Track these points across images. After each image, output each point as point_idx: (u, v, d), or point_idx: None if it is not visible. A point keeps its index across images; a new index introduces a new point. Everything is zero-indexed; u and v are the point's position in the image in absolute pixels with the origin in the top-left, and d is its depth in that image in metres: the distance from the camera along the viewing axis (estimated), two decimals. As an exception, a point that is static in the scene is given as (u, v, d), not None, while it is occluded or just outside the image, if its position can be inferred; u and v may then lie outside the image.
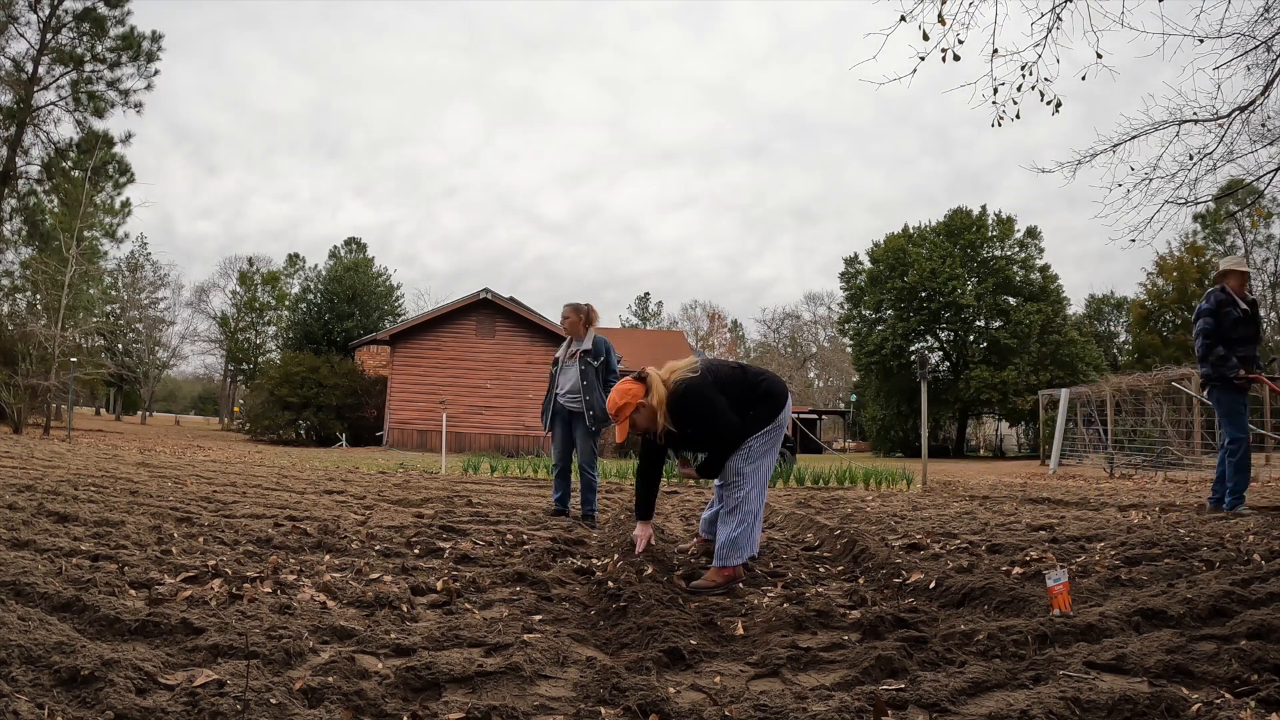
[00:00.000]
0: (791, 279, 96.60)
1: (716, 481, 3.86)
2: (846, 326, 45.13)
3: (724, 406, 3.64)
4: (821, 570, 3.95)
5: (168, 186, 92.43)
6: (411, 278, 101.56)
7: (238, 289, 55.40)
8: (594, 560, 4.10)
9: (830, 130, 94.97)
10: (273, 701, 1.73)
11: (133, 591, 2.86)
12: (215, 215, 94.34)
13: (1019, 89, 5.41)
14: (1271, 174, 6.01)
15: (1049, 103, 5.46)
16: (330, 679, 1.93)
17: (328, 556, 3.86)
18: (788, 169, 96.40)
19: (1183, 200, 6.00)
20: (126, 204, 32.45)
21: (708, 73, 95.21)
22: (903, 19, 5.01)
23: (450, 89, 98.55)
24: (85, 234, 25.22)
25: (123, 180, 28.92)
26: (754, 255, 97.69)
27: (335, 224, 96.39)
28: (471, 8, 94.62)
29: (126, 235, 37.36)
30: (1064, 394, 19.37)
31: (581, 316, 6.18)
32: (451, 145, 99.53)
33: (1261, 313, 41.08)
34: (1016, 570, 3.63)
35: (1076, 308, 47.54)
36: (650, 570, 3.54)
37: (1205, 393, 6.20)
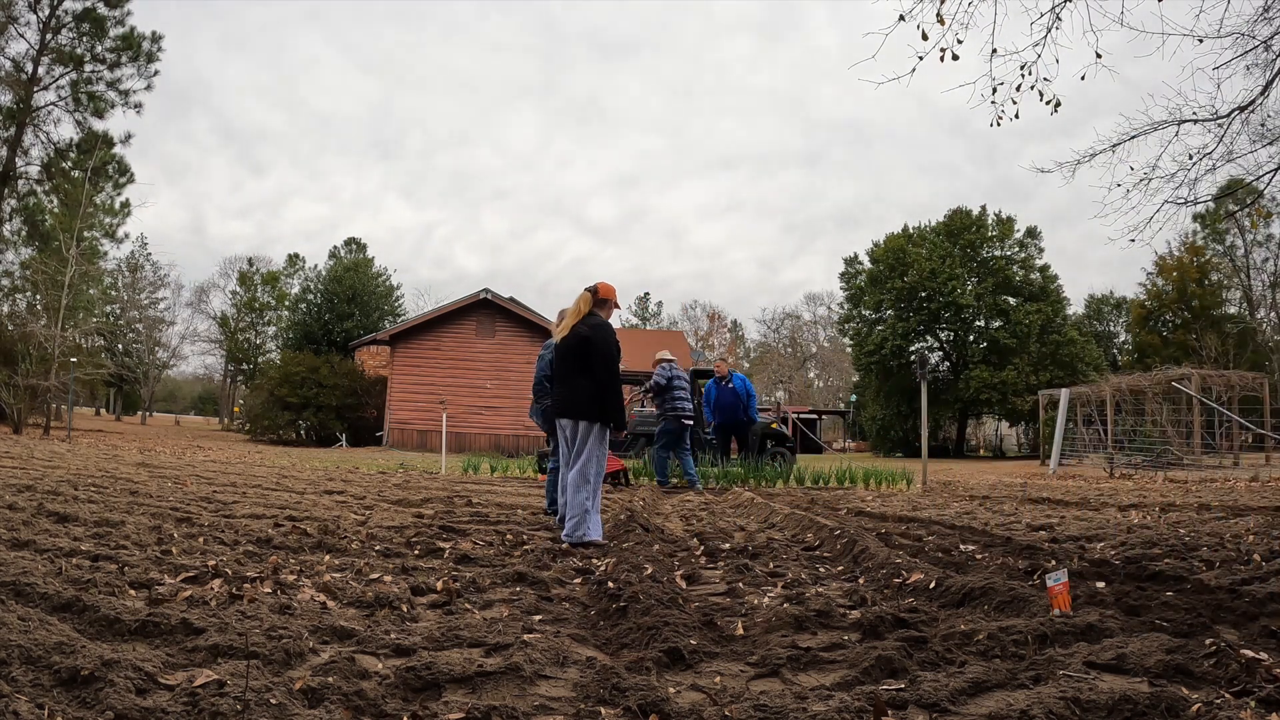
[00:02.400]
0: (821, 281, 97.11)
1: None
2: (846, 326, 45.13)
3: None
4: (821, 570, 3.95)
5: (206, 186, 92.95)
6: (442, 279, 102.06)
7: (237, 289, 55.39)
8: (594, 560, 4.09)
9: (884, 140, 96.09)
10: (273, 701, 1.73)
11: (133, 591, 2.86)
12: (251, 215, 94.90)
13: (1018, 89, 5.41)
14: (1271, 174, 6.00)
15: (1048, 102, 5.46)
16: (330, 679, 1.93)
17: (328, 556, 3.86)
18: (838, 176, 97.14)
19: (1182, 200, 5.99)
20: (126, 204, 32.44)
21: (775, 82, 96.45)
22: (901, 18, 5.01)
23: (517, 91, 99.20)
24: (85, 234, 25.21)
25: (122, 180, 28.92)
26: (789, 259, 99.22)
27: (374, 225, 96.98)
28: (553, 9, 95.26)
29: (126, 235, 37.36)
30: (1064, 394, 19.36)
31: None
32: (509, 148, 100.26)
33: (1262, 313, 41.00)
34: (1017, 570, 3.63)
35: (1076, 308, 47.52)
36: (650, 570, 3.54)
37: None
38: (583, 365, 4.88)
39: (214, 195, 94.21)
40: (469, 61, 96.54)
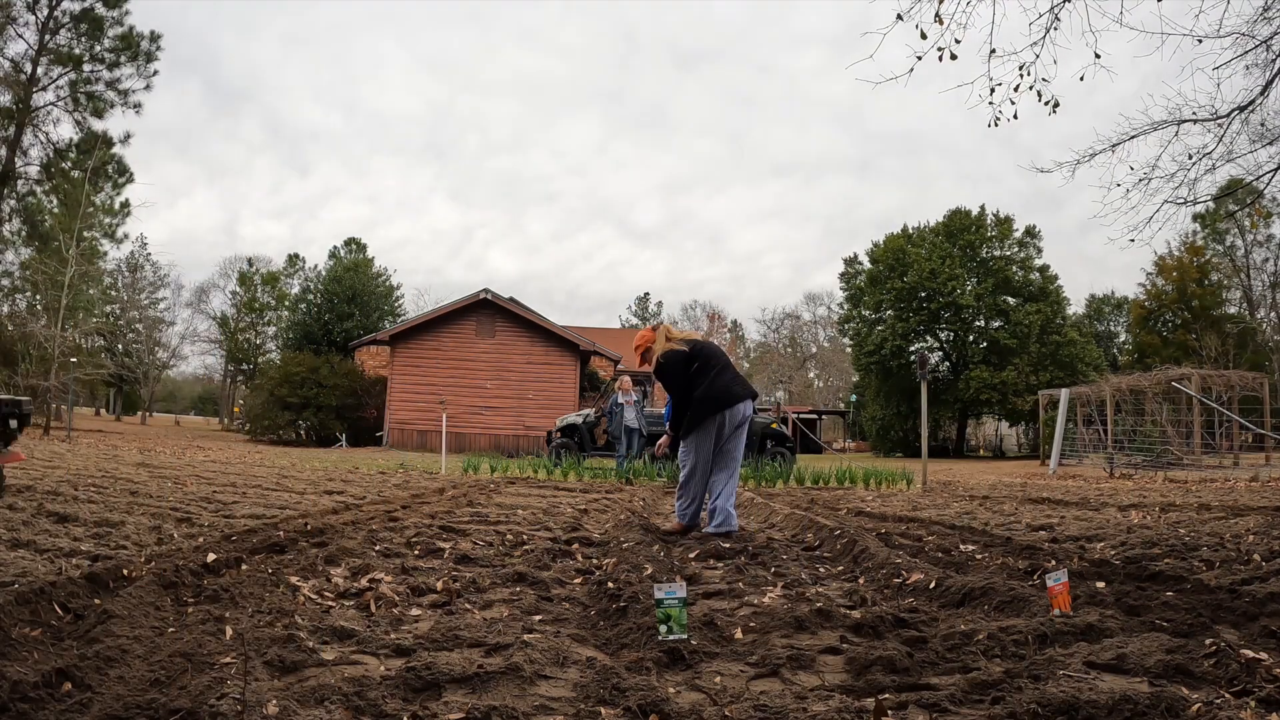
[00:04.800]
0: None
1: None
2: (846, 326, 45.16)
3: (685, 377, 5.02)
4: (821, 570, 3.95)
5: (245, 186, 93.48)
6: (474, 280, 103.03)
7: (237, 289, 55.39)
8: (594, 560, 4.10)
9: (935, 150, 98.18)
10: (273, 701, 1.73)
11: (132, 592, 2.86)
12: (287, 216, 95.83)
13: (1016, 89, 5.42)
14: (1271, 174, 6.01)
15: (1047, 103, 5.47)
16: (330, 679, 1.93)
17: (327, 555, 3.85)
18: (885, 183, 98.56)
19: (1182, 200, 6.00)
20: (126, 204, 32.45)
21: (839, 94, 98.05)
22: (899, 18, 5.02)
23: (584, 96, 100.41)
24: (84, 234, 25.21)
25: (121, 180, 28.93)
26: (822, 262, 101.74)
27: (414, 226, 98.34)
28: (634, 18, 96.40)
29: (126, 235, 37.38)
30: (1064, 394, 19.36)
31: None
32: (566, 152, 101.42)
33: (1262, 313, 41.08)
34: (1017, 570, 3.63)
35: (1076, 308, 47.53)
36: (650, 570, 3.54)
37: None
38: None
39: (252, 195, 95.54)
40: (539, 66, 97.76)
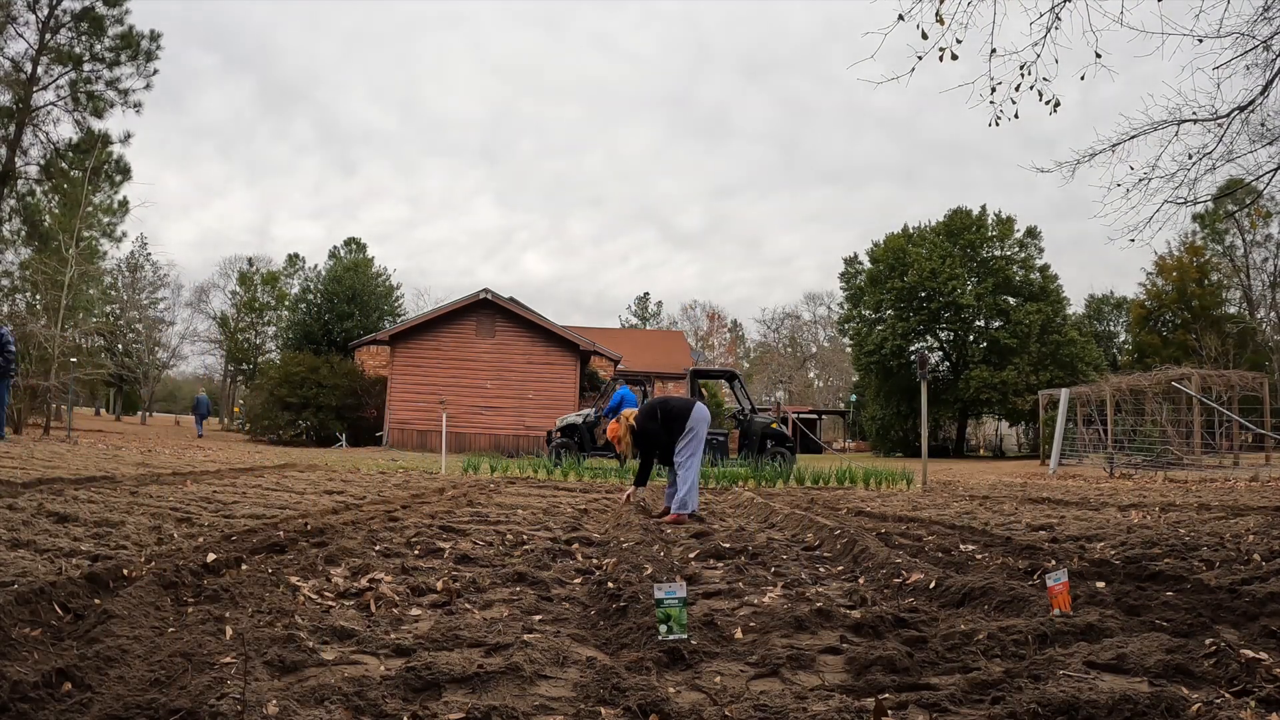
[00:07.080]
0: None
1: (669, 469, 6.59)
2: (846, 326, 45.16)
3: (657, 430, 6.45)
4: (821, 570, 3.95)
5: (285, 186, 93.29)
6: (504, 282, 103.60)
7: (237, 289, 55.38)
8: (594, 560, 4.10)
9: (978, 159, 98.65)
10: (273, 701, 1.73)
11: (132, 592, 2.86)
12: (324, 217, 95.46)
13: (1017, 88, 5.42)
14: (1271, 174, 6.02)
15: (1047, 103, 5.47)
16: (330, 679, 1.93)
17: (328, 555, 3.85)
18: (927, 190, 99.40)
19: (1182, 200, 6.01)
20: (125, 203, 32.46)
21: (894, 105, 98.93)
22: (900, 18, 5.02)
23: (643, 103, 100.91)
24: (84, 234, 25.19)
25: (119, 179, 28.91)
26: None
27: (451, 228, 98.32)
28: (709, 27, 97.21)
29: (124, 234, 37.39)
30: (1064, 394, 19.35)
31: None
32: (620, 156, 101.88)
33: (1262, 313, 41.12)
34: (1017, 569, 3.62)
35: (1076, 308, 47.52)
36: (650, 570, 3.54)
37: None
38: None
39: (291, 196, 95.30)
40: (607, 71, 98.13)
